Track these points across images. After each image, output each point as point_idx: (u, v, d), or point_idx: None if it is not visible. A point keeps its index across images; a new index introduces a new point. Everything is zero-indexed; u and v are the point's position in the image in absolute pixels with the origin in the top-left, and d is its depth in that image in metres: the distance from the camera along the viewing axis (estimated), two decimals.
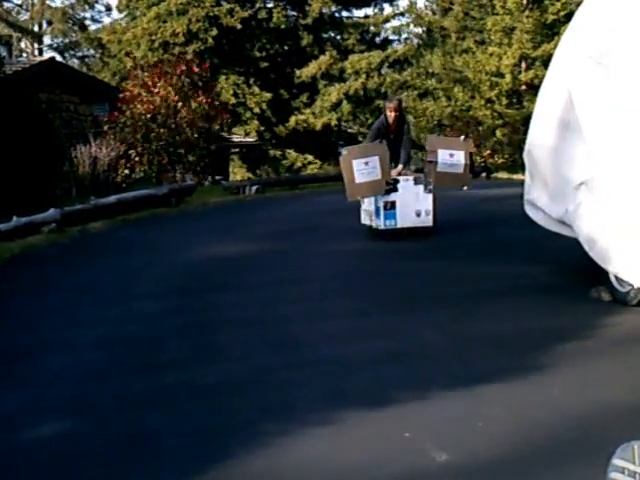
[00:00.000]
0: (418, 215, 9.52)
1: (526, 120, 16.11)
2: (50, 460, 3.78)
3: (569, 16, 12.10)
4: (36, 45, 37.70)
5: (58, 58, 31.58)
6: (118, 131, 18.20)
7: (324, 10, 30.80)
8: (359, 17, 33.08)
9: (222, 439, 3.89)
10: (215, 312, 6.54)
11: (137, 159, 18.13)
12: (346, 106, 30.55)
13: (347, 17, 32.70)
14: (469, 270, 7.65)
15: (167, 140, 18.56)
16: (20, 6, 38.01)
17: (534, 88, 21.16)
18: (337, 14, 32.26)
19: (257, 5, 30.12)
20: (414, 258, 8.60)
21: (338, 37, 32.37)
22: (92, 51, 37.40)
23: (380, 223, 9.53)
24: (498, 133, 25.37)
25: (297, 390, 4.55)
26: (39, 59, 24.61)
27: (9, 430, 4.15)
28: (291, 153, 30.67)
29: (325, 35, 32.17)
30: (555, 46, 7.99)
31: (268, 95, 29.38)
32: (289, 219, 12.51)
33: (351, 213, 10.21)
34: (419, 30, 32.15)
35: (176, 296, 7.23)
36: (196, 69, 19.72)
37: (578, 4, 7.39)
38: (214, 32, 28.93)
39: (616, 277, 5.98)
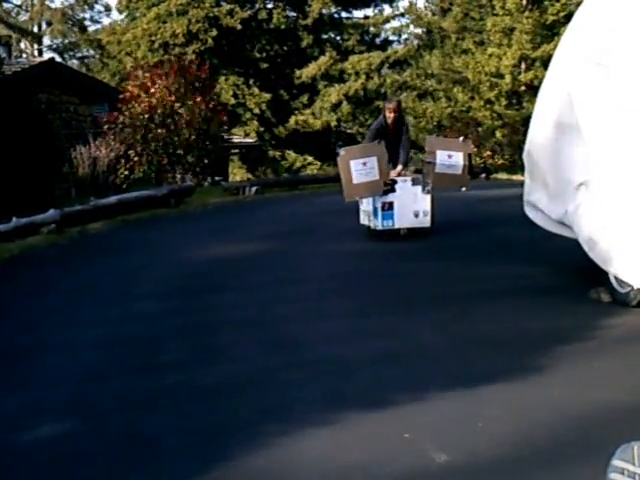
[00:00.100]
0: (416, 216, 9.53)
1: (526, 121, 16.12)
2: (50, 460, 3.78)
3: (569, 17, 12.10)
4: (36, 46, 37.68)
5: (58, 59, 31.53)
6: (117, 131, 18.20)
7: (324, 11, 30.84)
8: (359, 18, 33.18)
9: (222, 439, 3.89)
10: (215, 312, 6.55)
11: (136, 159, 18.13)
12: (346, 107, 30.56)
13: (347, 18, 32.76)
14: (468, 271, 7.65)
15: (165, 140, 18.57)
16: (20, 7, 38.06)
17: (534, 89, 21.17)
18: (337, 15, 32.34)
19: (257, 6, 30.16)
20: (412, 259, 8.61)
21: (338, 38, 32.40)
22: (92, 52, 37.46)
23: (378, 224, 9.53)
24: (498, 134, 25.37)
25: (297, 390, 4.55)
26: (39, 60, 24.59)
27: (9, 430, 4.15)
28: (290, 154, 30.69)
29: (325, 36, 32.20)
30: (555, 47, 7.99)
31: (268, 96, 29.40)
32: (288, 220, 12.52)
33: (350, 214, 10.22)
34: (419, 31, 32.18)
35: (176, 296, 7.24)
36: (193, 71, 19.69)
37: (578, 4, 7.40)
38: (214, 33, 28.96)
39: (616, 278, 5.97)
